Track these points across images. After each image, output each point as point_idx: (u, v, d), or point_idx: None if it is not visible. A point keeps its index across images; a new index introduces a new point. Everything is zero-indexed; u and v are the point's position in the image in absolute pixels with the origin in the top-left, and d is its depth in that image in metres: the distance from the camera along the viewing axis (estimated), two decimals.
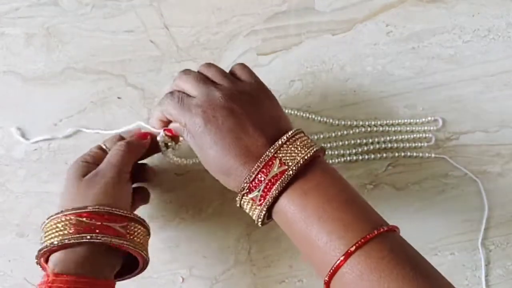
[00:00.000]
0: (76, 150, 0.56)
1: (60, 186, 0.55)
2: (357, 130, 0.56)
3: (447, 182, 0.56)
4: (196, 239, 0.55)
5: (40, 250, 0.44)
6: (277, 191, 0.40)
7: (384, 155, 0.56)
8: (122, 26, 0.57)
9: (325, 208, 0.40)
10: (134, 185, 0.51)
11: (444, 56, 0.56)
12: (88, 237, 0.43)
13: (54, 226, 0.44)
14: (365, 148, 0.56)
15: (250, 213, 0.43)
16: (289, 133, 0.42)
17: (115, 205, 0.45)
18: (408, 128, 0.56)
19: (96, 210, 0.44)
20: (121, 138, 0.51)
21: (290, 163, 0.41)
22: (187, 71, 0.46)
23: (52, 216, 0.45)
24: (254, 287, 0.55)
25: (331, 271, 0.38)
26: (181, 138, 0.50)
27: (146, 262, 0.47)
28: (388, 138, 0.56)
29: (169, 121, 0.47)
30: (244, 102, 0.44)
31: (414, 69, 0.56)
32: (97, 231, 0.43)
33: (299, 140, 0.43)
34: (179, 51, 0.57)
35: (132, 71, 0.56)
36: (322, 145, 0.55)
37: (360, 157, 0.56)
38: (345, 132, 0.56)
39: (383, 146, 0.56)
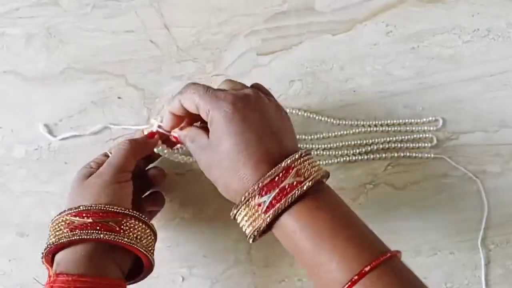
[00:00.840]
0: (76, 150, 0.56)
1: (60, 186, 0.56)
2: (357, 130, 0.56)
3: (447, 182, 0.56)
4: (196, 239, 0.55)
5: (42, 253, 0.45)
6: (290, 200, 0.39)
7: (384, 155, 0.56)
8: (122, 26, 0.57)
9: (337, 225, 0.40)
10: (148, 191, 0.51)
11: (444, 56, 0.57)
12: (79, 233, 0.43)
13: (53, 228, 0.45)
14: (365, 148, 0.56)
15: (248, 223, 0.41)
16: (303, 150, 0.42)
17: (112, 203, 0.45)
18: (407, 128, 0.56)
19: (88, 209, 0.44)
20: None
21: (306, 176, 0.41)
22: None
23: (53, 218, 0.46)
24: (254, 287, 0.55)
25: None
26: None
27: (149, 260, 0.46)
28: (387, 138, 0.56)
29: (180, 120, 0.47)
30: (269, 107, 0.44)
31: (414, 69, 0.56)
32: (88, 228, 0.43)
33: (310, 159, 0.43)
34: (179, 51, 0.57)
35: (133, 71, 0.56)
36: (322, 145, 0.56)
37: (360, 157, 0.56)
38: (345, 132, 0.56)
39: (383, 146, 0.56)
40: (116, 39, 0.57)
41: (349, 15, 0.57)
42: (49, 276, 0.43)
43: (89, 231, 0.43)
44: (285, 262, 0.55)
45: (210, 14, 0.57)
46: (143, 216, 0.46)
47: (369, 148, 0.56)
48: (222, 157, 0.42)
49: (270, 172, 0.40)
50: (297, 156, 0.41)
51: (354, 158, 0.56)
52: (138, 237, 0.45)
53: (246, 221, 0.41)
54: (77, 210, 0.44)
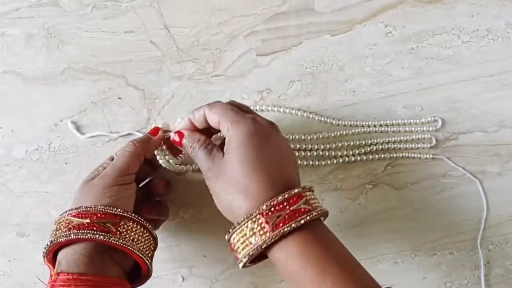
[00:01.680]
0: (76, 150, 0.56)
1: (60, 186, 0.56)
2: (356, 131, 0.56)
3: (446, 182, 0.56)
4: (196, 239, 0.55)
5: (43, 252, 0.45)
6: (299, 223, 0.41)
7: (383, 155, 0.56)
8: (122, 27, 0.57)
9: (334, 258, 0.41)
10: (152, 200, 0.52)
11: (443, 57, 0.57)
12: (74, 232, 0.43)
13: (55, 227, 0.46)
14: (364, 148, 0.56)
15: (248, 241, 0.41)
16: (308, 187, 0.44)
17: (113, 205, 0.45)
18: (407, 129, 0.56)
19: (87, 209, 0.44)
20: None
21: (314, 206, 0.42)
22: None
23: (56, 218, 0.46)
24: (253, 286, 0.55)
25: None
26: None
27: (145, 263, 0.46)
28: (387, 138, 0.56)
29: (194, 128, 0.48)
30: (285, 142, 0.46)
31: (413, 69, 0.57)
32: (85, 228, 0.44)
33: (314, 195, 0.45)
34: (179, 52, 0.57)
35: (133, 72, 0.57)
36: (322, 145, 0.56)
37: (359, 157, 0.56)
38: (344, 132, 0.56)
39: (382, 146, 0.56)
40: (116, 40, 0.57)
41: (348, 15, 0.57)
42: (51, 276, 0.44)
43: (85, 231, 0.43)
44: None
45: (210, 14, 0.57)
46: (142, 220, 0.46)
47: (368, 148, 0.56)
48: (234, 171, 0.43)
49: (283, 194, 0.41)
50: (306, 187, 0.43)
51: (353, 158, 0.56)
52: (135, 239, 0.46)
53: (247, 238, 0.41)
54: (77, 210, 0.45)
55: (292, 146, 0.56)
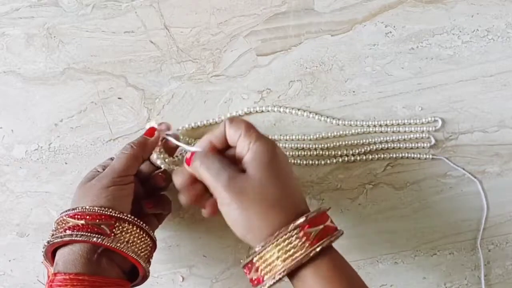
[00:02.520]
0: (76, 150, 0.56)
1: (60, 186, 0.56)
2: (356, 131, 0.56)
3: (446, 182, 0.56)
4: (196, 239, 0.55)
5: (42, 252, 0.46)
6: (335, 238, 0.41)
7: (383, 155, 0.56)
8: (122, 27, 0.57)
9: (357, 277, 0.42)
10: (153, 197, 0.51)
11: (443, 57, 0.57)
12: (69, 234, 0.44)
13: (54, 227, 0.46)
14: (364, 148, 0.56)
15: (286, 256, 0.40)
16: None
17: (109, 205, 0.45)
18: (407, 129, 0.56)
19: (83, 210, 0.44)
20: None
21: (335, 227, 0.43)
22: None
23: (55, 218, 0.46)
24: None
25: None
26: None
27: (140, 265, 0.46)
28: (387, 138, 0.56)
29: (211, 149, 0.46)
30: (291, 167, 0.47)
31: (413, 69, 0.56)
32: (79, 229, 0.44)
33: None
34: (179, 52, 0.57)
35: (133, 72, 0.57)
36: (322, 145, 0.56)
37: (359, 157, 0.56)
38: (344, 132, 0.56)
39: (382, 146, 0.56)
40: (116, 39, 0.57)
41: (348, 15, 0.57)
42: (48, 276, 0.44)
43: (79, 233, 0.44)
44: None
45: (210, 14, 0.57)
46: (139, 221, 0.46)
47: (368, 148, 0.56)
48: (265, 187, 0.42)
49: (316, 209, 0.42)
50: (327, 207, 0.43)
51: (353, 158, 0.56)
52: (130, 241, 0.45)
53: (284, 253, 0.40)
54: (73, 211, 0.45)
55: (292, 146, 0.56)
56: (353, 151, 0.56)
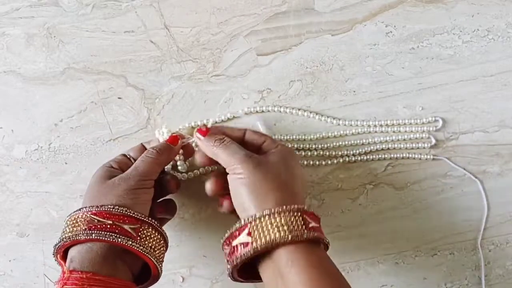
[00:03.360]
0: (76, 150, 0.56)
1: (60, 186, 0.56)
2: (356, 130, 0.56)
3: (447, 182, 0.56)
4: (196, 239, 0.55)
5: (55, 246, 0.44)
6: (325, 245, 0.45)
7: (384, 155, 0.56)
8: (122, 27, 0.57)
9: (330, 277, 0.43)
10: (160, 199, 0.51)
11: (444, 56, 0.57)
12: (97, 234, 0.43)
13: (70, 223, 0.45)
14: (365, 148, 0.56)
15: (284, 228, 0.42)
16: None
17: (132, 208, 0.45)
18: (407, 129, 0.56)
19: (110, 209, 0.44)
20: (143, 147, 0.52)
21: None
22: None
23: (71, 213, 0.45)
24: (253, 286, 0.55)
25: None
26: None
27: (157, 269, 0.46)
28: (387, 138, 0.56)
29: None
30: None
31: (414, 69, 0.56)
32: (107, 229, 0.43)
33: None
34: (179, 52, 0.57)
35: (133, 71, 0.56)
36: (322, 145, 0.56)
37: (360, 157, 0.56)
38: (344, 132, 0.56)
39: (383, 146, 0.56)
40: (116, 39, 0.57)
41: (348, 15, 0.57)
42: (63, 272, 0.43)
43: (108, 233, 0.43)
44: None
45: (210, 14, 0.57)
46: (160, 226, 0.46)
47: (369, 148, 0.56)
48: (278, 169, 0.46)
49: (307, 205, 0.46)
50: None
51: (354, 158, 0.56)
52: (153, 246, 0.45)
53: (281, 225, 0.42)
54: (98, 209, 0.44)
55: (292, 146, 0.56)
56: (354, 151, 0.56)
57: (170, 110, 0.56)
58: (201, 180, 0.55)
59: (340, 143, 0.56)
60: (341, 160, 0.56)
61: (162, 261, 0.47)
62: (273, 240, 0.41)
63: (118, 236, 0.43)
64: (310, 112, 0.56)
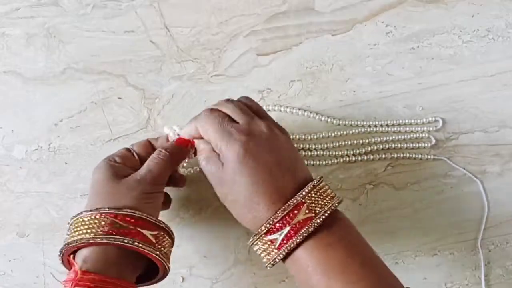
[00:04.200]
0: (76, 150, 0.56)
1: (60, 186, 0.56)
2: (356, 130, 0.56)
3: (447, 182, 0.56)
4: (196, 239, 0.55)
5: (68, 243, 0.43)
6: (301, 238, 0.40)
7: (384, 155, 0.56)
8: (122, 27, 0.57)
9: (350, 263, 0.40)
10: None
11: (444, 56, 0.57)
12: (121, 239, 0.42)
13: (87, 223, 0.43)
14: (365, 148, 0.56)
15: (263, 255, 0.42)
16: (315, 180, 0.43)
17: (148, 212, 0.44)
18: (407, 129, 0.56)
19: (132, 213, 0.43)
20: (149, 143, 0.50)
21: (317, 211, 0.41)
22: (228, 100, 0.46)
23: (85, 211, 0.44)
24: (254, 287, 0.55)
25: None
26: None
27: (166, 273, 0.46)
28: (387, 138, 0.56)
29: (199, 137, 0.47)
30: (281, 142, 0.44)
31: (414, 69, 0.56)
32: (130, 235, 0.43)
33: (323, 188, 0.43)
34: (179, 52, 0.57)
35: (133, 72, 0.56)
36: (322, 145, 0.56)
37: (360, 157, 0.56)
38: (344, 132, 0.56)
39: (383, 146, 0.56)
40: (116, 39, 0.57)
41: (349, 15, 0.57)
42: (75, 273, 0.42)
43: (131, 240, 0.42)
44: None
45: (210, 14, 0.57)
46: (172, 232, 0.46)
47: (369, 148, 0.56)
48: (236, 194, 0.43)
49: (280, 210, 0.41)
50: (308, 189, 0.42)
51: (354, 158, 0.56)
52: (168, 252, 0.46)
53: (262, 251, 0.42)
54: (120, 212, 0.43)
55: None
56: (354, 151, 0.56)
57: (170, 110, 0.56)
58: (201, 180, 0.55)
59: (340, 143, 0.56)
60: (341, 160, 0.56)
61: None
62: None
63: (141, 242, 0.43)
64: (311, 112, 0.56)
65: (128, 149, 0.49)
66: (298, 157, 0.45)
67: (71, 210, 0.55)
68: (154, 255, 0.44)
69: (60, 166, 0.56)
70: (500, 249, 0.56)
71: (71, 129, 0.56)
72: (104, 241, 0.42)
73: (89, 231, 0.43)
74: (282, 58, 0.57)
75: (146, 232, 0.43)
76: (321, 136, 0.56)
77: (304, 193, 0.42)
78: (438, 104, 0.56)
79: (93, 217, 0.43)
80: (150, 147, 0.50)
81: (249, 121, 0.44)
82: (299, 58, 0.57)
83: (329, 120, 0.56)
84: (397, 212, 0.56)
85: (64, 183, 0.56)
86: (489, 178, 0.56)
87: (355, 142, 0.56)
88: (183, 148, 0.48)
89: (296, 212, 0.41)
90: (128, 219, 0.43)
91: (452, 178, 0.56)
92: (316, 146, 0.55)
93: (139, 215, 0.43)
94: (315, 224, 0.41)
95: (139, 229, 0.43)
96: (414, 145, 0.56)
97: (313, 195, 0.42)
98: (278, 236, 0.40)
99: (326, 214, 0.41)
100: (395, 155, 0.56)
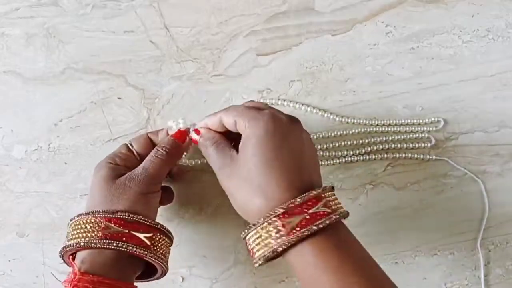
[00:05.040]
0: (76, 150, 0.56)
1: (60, 186, 0.56)
2: (356, 130, 0.56)
3: (447, 182, 0.56)
4: (196, 239, 0.55)
5: (66, 247, 0.44)
6: (317, 228, 0.39)
7: (384, 155, 0.56)
8: (122, 27, 0.57)
9: (365, 259, 0.41)
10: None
11: (444, 56, 0.57)
12: (115, 244, 0.42)
13: (83, 226, 0.44)
14: (365, 148, 0.56)
15: (264, 243, 0.40)
16: (328, 186, 0.42)
17: (143, 213, 0.44)
18: (407, 129, 0.56)
19: (126, 217, 0.43)
20: (149, 139, 0.50)
21: (334, 209, 0.41)
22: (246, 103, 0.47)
23: (81, 214, 0.44)
24: (253, 287, 0.55)
25: None
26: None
27: (164, 272, 0.47)
28: (387, 138, 0.56)
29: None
30: (306, 138, 0.44)
31: (414, 69, 0.56)
32: (124, 239, 0.43)
33: (335, 195, 0.43)
34: (179, 52, 0.57)
35: (132, 72, 0.56)
36: (322, 145, 0.56)
37: (360, 157, 0.56)
38: (344, 132, 0.56)
39: (383, 146, 0.56)
40: (116, 39, 0.57)
41: (348, 15, 0.57)
42: (74, 274, 0.42)
43: (125, 244, 0.43)
44: (284, 262, 0.55)
45: (210, 14, 0.57)
46: (169, 232, 0.46)
47: (369, 148, 0.56)
48: (250, 171, 0.41)
49: (301, 196, 0.40)
50: (327, 187, 0.41)
51: (354, 158, 0.56)
52: (164, 253, 0.46)
53: (263, 240, 0.40)
54: (113, 215, 0.43)
55: None
56: (354, 151, 0.56)
57: (170, 110, 0.56)
58: (201, 180, 0.55)
59: (340, 143, 0.56)
60: (342, 160, 0.56)
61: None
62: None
63: (134, 246, 0.43)
64: (314, 108, 0.56)
65: (128, 148, 0.49)
66: (317, 161, 0.45)
67: (70, 210, 0.55)
68: (149, 258, 0.44)
69: (60, 166, 0.56)
70: (500, 249, 0.56)
71: (70, 129, 0.56)
72: (99, 246, 0.42)
73: (84, 235, 0.43)
74: (282, 58, 0.57)
75: (141, 235, 0.43)
76: (321, 136, 0.56)
77: (324, 189, 0.41)
78: (438, 104, 0.56)
79: (88, 220, 0.43)
80: (149, 143, 0.50)
81: (275, 111, 0.44)
82: (299, 58, 0.57)
83: (331, 117, 0.56)
84: (397, 212, 0.56)
85: (64, 183, 0.56)
86: (489, 178, 0.56)
87: (355, 142, 0.56)
88: (180, 145, 0.48)
89: (316, 201, 0.40)
90: (122, 222, 0.43)
91: (452, 178, 0.56)
92: (316, 146, 0.55)
93: (132, 218, 0.43)
94: (332, 219, 0.40)
95: (133, 232, 0.43)
96: (414, 145, 0.56)
97: (331, 195, 0.42)
98: (293, 221, 0.39)
99: (342, 213, 0.41)
100: (395, 155, 0.56)
